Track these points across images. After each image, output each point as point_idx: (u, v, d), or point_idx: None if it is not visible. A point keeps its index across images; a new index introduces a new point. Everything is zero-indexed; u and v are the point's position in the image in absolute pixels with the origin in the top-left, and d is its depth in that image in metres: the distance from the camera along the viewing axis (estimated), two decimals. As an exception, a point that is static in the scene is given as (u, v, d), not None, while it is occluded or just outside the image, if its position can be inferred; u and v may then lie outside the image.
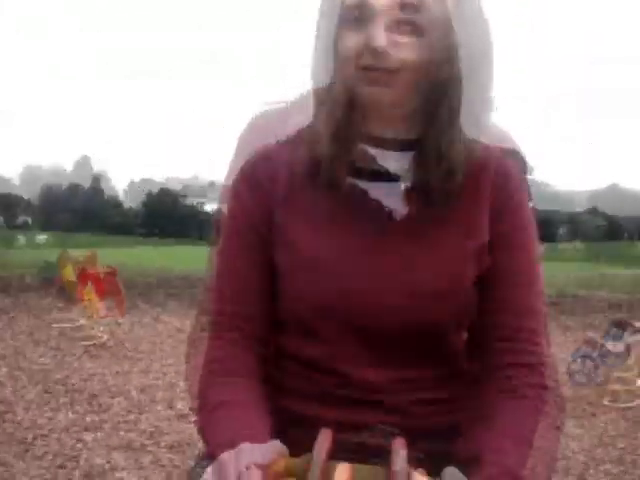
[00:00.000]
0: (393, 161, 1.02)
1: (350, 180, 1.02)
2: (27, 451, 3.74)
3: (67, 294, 7.18)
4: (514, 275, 1.04)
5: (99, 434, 4.11)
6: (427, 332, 1.03)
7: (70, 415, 4.47)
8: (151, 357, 6.30)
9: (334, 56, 0.99)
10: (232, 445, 0.87)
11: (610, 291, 9.99)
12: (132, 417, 4.49)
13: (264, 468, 0.84)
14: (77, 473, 3.49)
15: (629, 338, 5.34)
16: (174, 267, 11.40)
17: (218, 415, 0.99)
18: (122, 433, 4.14)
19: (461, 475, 0.86)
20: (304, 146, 1.03)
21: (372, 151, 1.02)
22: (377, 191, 1.03)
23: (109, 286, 6.83)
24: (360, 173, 1.03)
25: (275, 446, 0.88)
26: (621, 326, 5.36)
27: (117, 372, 5.71)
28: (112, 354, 6.37)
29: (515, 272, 1.04)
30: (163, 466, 3.65)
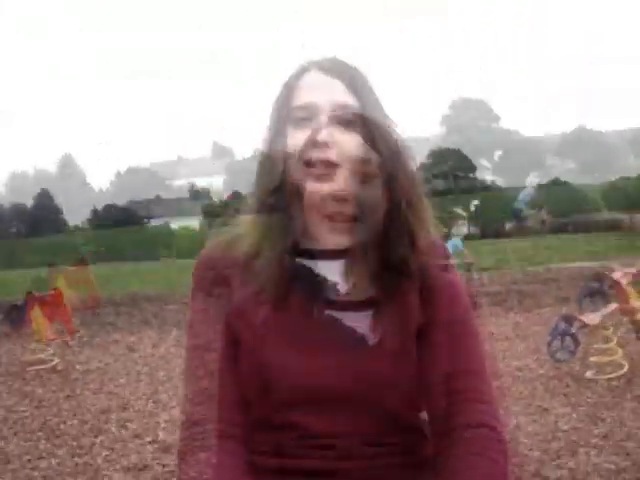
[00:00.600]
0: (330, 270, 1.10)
1: (322, 309, 1.09)
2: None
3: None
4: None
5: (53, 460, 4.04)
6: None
7: (22, 443, 4.39)
8: (103, 378, 6.19)
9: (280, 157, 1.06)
10: None
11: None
12: (87, 441, 4.40)
13: None
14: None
15: (605, 309, 5.37)
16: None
17: None
18: (76, 459, 4.07)
19: None
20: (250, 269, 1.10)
21: (311, 264, 1.10)
22: (351, 319, 1.09)
23: (56, 308, 6.74)
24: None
25: None
26: (568, 321, 5.42)
27: (68, 396, 5.60)
28: (63, 377, 6.24)
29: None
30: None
